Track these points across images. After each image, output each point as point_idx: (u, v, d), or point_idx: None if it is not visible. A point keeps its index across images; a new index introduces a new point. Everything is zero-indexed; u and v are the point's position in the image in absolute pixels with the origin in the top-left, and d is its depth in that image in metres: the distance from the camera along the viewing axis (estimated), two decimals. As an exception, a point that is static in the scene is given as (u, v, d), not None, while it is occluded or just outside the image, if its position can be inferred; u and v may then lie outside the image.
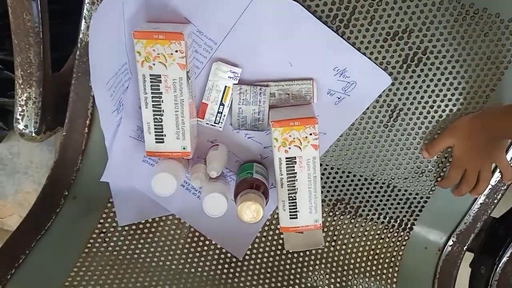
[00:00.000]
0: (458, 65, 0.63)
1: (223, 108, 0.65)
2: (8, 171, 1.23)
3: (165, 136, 0.61)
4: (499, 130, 0.62)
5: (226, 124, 0.66)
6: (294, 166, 0.61)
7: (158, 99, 0.59)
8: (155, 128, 0.60)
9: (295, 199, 0.63)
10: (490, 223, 0.82)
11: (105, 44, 0.57)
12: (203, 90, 0.64)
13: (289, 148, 0.61)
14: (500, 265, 0.78)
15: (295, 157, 0.61)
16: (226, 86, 0.63)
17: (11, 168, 1.23)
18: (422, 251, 0.77)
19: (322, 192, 0.73)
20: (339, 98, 0.65)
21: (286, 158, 0.61)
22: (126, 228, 0.69)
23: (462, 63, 0.63)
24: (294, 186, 0.62)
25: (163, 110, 0.59)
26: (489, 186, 0.71)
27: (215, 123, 0.66)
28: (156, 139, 0.61)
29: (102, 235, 0.66)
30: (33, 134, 0.66)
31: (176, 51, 0.56)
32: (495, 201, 0.72)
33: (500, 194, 0.72)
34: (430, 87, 0.64)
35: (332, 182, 0.72)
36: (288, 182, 0.62)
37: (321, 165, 0.70)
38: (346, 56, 0.62)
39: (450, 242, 0.76)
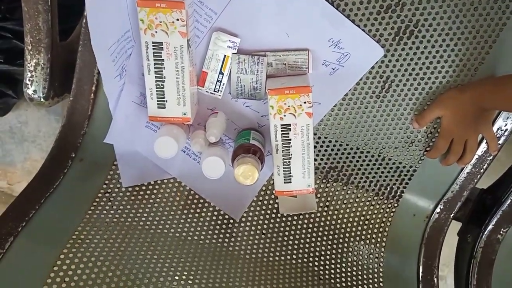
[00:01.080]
0: (448, 38, 0.65)
1: (222, 77, 0.67)
2: (16, 139, 1.27)
3: (166, 101, 0.64)
4: (485, 102, 0.65)
5: (225, 93, 0.69)
6: (288, 133, 0.64)
7: (160, 65, 0.62)
8: (157, 94, 0.64)
9: (289, 164, 0.66)
10: (478, 194, 0.85)
11: (105, 10, 0.59)
12: (203, 58, 0.66)
13: (284, 115, 0.63)
14: (485, 233, 0.82)
15: (289, 124, 0.64)
16: (225, 56, 0.66)
17: (19, 136, 1.27)
18: (410, 218, 0.80)
19: (316, 160, 0.76)
20: (333, 69, 0.68)
21: (281, 125, 0.64)
22: (130, 189, 0.72)
23: (452, 36, 0.65)
24: (289, 152, 0.65)
25: (164, 77, 0.62)
26: (476, 156, 0.74)
27: (214, 91, 0.69)
28: (158, 104, 0.64)
29: (107, 194, 0.70)
30: (42, 99, 0.69)
31: (178, 19, 0.59)
32: (481, 170, 0.76)
33: (486, 164, 0.75)
34: (421, 59, 0.67)
35: (325, 150, 0.76)
36: (282, 148, 0.65)
37: (315, 134, 0.73)
38: (340, 28, 0.64)
39: (438, 210, 0.80)
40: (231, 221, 0.76)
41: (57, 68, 0.71)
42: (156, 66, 0.62)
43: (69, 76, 0.71)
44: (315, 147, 0.75)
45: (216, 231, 0.74)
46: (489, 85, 0.65)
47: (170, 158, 0.67)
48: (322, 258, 0.76)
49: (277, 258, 0.73)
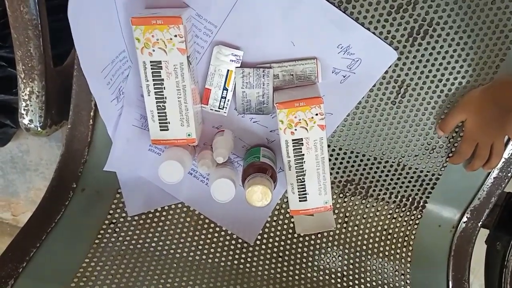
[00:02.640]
0: (466, 35, 0.61)
1: (227, 92, 0.64)
2: (19, 169, 1.24)
3: (169, 123, 0.60)
4: (509, 99, 0.60)
5: (231, 109, 0.65)
6: (301, 148, 0.61)
7: (160, 86, 0.58)
8: (158, 116, 0.60)
9: (304, 181, 0.62)
10: (505, 197, 0.80)
11: (94, 31, 0.56)
12: (206, 75, 0.63)
13: (295, 129, 0.60)
14: (516, 240, 0.76)
15: (301, 139, 0.60)
16: (228, 70, 0.62)
17: (21, 165, 1.24)
18: (436, 229, 0.75)
19: (331, 173, 0.72)
20: (344, 77, 0.64)
21: (293, 140, 0.60)
22: (136, 217, 0.68)
23: (470, 33, 0.61)
24: (302, 168, 0.61)
25: (165, 97, 0.59)
26: (502, 160, 0.70)
27: (219, 108, 0.65)
28: (160, 127, 0.60)
29: (112, 225, 0.66)
30: (39, 129, 0.66)
31: (175, 35, 0.55)
32: (509, 174, 0.71)
33: (513, 167, 0.70)
34: (437, 60, 0.63)
35: (341, 163, 0.71)
36: (296, 164, 0.61)
37: (329, 146, 0.69)
38: (349, 33, 0.61)
39: (464, 219, 0.75)
40: (245, 245, 0.71)
41: (53, 95, 0.67)
42: (155, 86, 0.58)
43: (66, 102, 0.68)
44: (329, 160, 0.70)
45: (230, 257, 0.70)
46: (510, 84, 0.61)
47: (177, 182, 0.63)
48: (345, 278, 0.71)
49: (296, 282, 0.69)
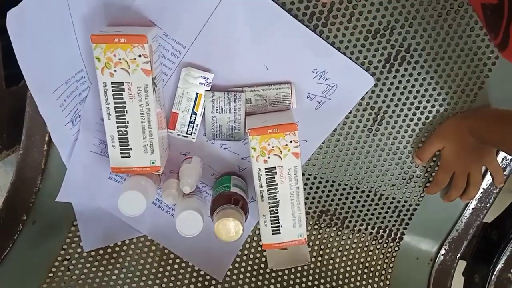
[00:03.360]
0: (444, 62, 0.59)
1: (195, 117, 0.60)
2: (-30, 195, 1.15)
3: (131, 150, 0.55)
4: (482, 135, 0.59)
5: (200, 135, 0.61)
6: (274, 177, 0.57)
7: (121, 109, 0.53)
8: (120, 142, 0.55)
9: (277, 212, 0.58)
10: (482, 228, 0.78)
11: (44, 47, 0.51)
12: (173, 98, 0.59)
13: (268, 157, 0.56)
14: (495, 273, 0.74)
15: (275, 167, 0.56)
16: (197, 93, 0.58)
17: (-27, 192, 1.15)
18: (413, 262, 0.72)
19: (305, 203, 0.68)
20: (319, 102, 0.61)
21: (266, 168, 0.56)
22: (93, 253, 0.63)
23: (448, 60, 0.59)
24: (276, 199, 0.58)
25: (127, 122, 0.54)
26: (480, 190, 0.68)
27: (187, 133, 0.61)
28: (121, 153, 0.55)
29: (65, 262, 0.60)
30: (-13, 154, 0.60)
31: (140, 55, 0.51)
32: (487, 205, 0.69)
33: (492, 198, 0.68)
34: (415, 87, 0.61)
35: (315, 192, 0.68)
36: (268, 194, 0.57)
37: (303, 175, 0.66)
38: (325, 57, 0.58)
39: (442, 251, 0.72)
40: (214, 281, 0.66)
41: (5, 117, 0.62)
42: (117, 109, 0.53)
43: (19, 126, 0.62)
44: (303, 189, 0.66)
45: (197, 295, 0.64)
46: (486, 118, 0.60)
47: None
48: (320, 316, 0.67)
49: (269, 322, 0.64)
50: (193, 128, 0.60)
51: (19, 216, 0.61)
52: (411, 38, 0.58)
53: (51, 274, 0.58)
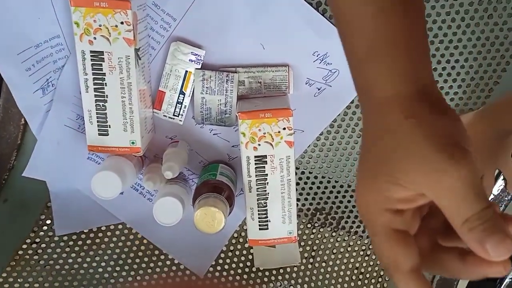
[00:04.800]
0: (457, 52, 0.54)
1: (184, 97, 0.55)
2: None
3: (109, 127, 0.51)
4: (506, 121, 0.53)
5: (188, 117, 0.57)
6: (264, 167, 0.53)
7: (101, 81, 0.49)
8: (97, 117, 0.51)
9: (266, 206, 0.54)
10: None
11: (9, 6, 0.48)
12: (160, 76, 0.54)
13: (259, 144, 0.52)
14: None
15: (265, 156, 0.53)
16: (187, 71, 0.54)
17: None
18: (413, 271, 0.67)
19: (298, 199, 0.63)
20: (319, 89, 0.56)
21: (255, 156, 0.53)
22: (65, 237, 0.59)
23: (462, 50, 0.54)
24: (265, 191, 0.54)
25: (106, 95, 0.50)
26: (492, 196, 0.62)
27: (174, 115, 0.56)
28: (99, 130, 0.51)
29: (34, 245, 0.56)
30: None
31: (122, 22, 0.47)
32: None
33: (503, 206, 0.63)
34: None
35: (310, 188, 0.63)
36: (257, 185, 0.54)
37: (297, 168, 0.61)
38: (328, 39, 0.54)
39: (446, 260, 0.67)
40: (194, 277, 0.62)
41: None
42: (95, 81, 0.49)
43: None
44: (297, 184, 0.62)
45: (175, 291, 0.60)
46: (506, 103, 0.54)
47: (119, 199, 0.54)
48: (308, 323, 0.62)
49: (251, 325, 0.59)
50: (180, 109, 0.56)
51: (-10, 193, 0.57)
52: (423, 22, 0.53)
53: (17, 257, 0.54)
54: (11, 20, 0.49)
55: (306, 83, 0.56)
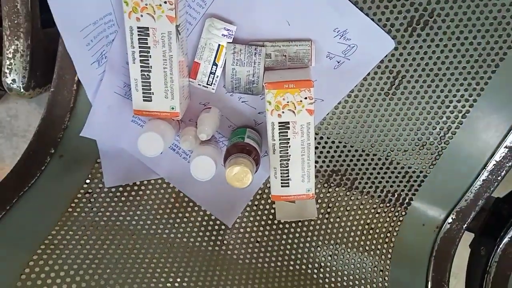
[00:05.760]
0: (467, 30, 0.59)
1: (216, 68, 0.62)
2: (6, 133, 1.22)
3: (153, 94, 0.58)
4: None
5: (220, 87, 0.63)
6: (287, 132, 0.59)
7: (146, 54, 0.56)
8: (142, 85, 0.58)
9: (287, 166, 0.60)
10: (494, 203, 0.79)
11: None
12: (196, 48, 0.61)
13: (283, 112, 0.58)
14: (500, 246, 0.75)
15: (288, 122, 0.58)
16: (219, 45, 0.60)
17: (9, 130, 1.21)
18: (419, 228, 0.74)
19: (317, 162, 0.70)
20: (338, 62, 0.62)
21: (279, 122, 0.58)
22: (113, 189, 0.66)
23: (471, 28, 0.59)
24: (287, 153, 0.60)
25: (151, 66, 0.57)
26: (493, 162, 0.68)
27: (207, 84, 0.63)
28: (143, 97, 0.58)
29: (87, 195, 0.65)
30: (22, 90, 0.64)
31: (165, 2, 0.53)
32: (498, 178, 0.69)
33: (504, 171, 0.68)
34: (435, 53, 0.61)
35: (328, 152, 0.69)
36: (280, 148, 0.59)
37: (317, 134, 0.67)
38: (347, 17, 0.58)
39: (449, 220, 0.73)
40: (223, 227, 0.70)
41: (39, 56, 0.65)
42: (141, 54, 0.56)
43: (52, 66, 0.66)
44: (316, 148, 0.68)
45: (206, 238, 0.68)
46: None
47: (158, 157, 0.61)
48: (322, 270, 0.70)
49: (271, 269, 0.67)
50: (213, 79, 0.62)
51: (48, 149, 0.65)
52: (435, 2, 0.57)
53: (73, 204, 0.62)
54: (75, 1, 0.55)
55: (326, 57, 0.61)
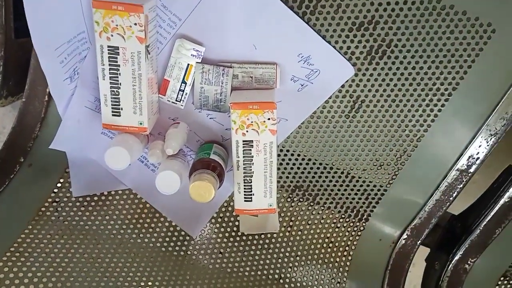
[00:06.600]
0: (422, 60, 0.63)
1: (185, 86, 0.64)
2: (-21, 134, 1.22)
3: (122, 109, 0.60)
4: None
5: (188, 103, 0.65)
6: (250, 150, 0.61)
7: (115, 71, 0.58)
8: (112, 101, 0.60)
9: (250, 182, 0.63)
10: (449, 219, 0.83)
11: (51, 8, 0.56)
12: (166, 66, 0.63)
13: (247, 131, 0.60)
14: (452, 262, 0.79)
15: (252, 141, 0.61)
16: (188, 64, 0.63)
17: (-18, 131, 1.21)
18: (376, 242, 0.78)
19: (281, 177, 0.73)
20: (302, 85, 0.65)
21: (243, 141, 0.61)
22: (80, 199, 0.68)
23: (426, 59, 0.62)
24: (250, 169, 0.62)
25: (120, 83, 0.59)
26: (445, 184, 0.72)
27: (176, 100, 0.65)
28: (112, 112, 0.60)
29: (54, 204, 0.66)
30: (-6, 98, 0.65)
31: (135, 24, 0.55)
32: (450, 198, 0.73)
33: (456, 192, 0.72)
34: (393, 80, 0.64)
35: (291, 168, 0.72)
36: (244, 165, 0.62)
37: (281, 150, 0.70)
38: (311, 44, 0.61)
39: (404, 236, 0.77)
40: (187, 237, 0.72)
41: (12, 66, 0.66)
42: (111, 71, 0.58)
43: (25, 75, 0.67)
44: (280, 163, 0.71)
45: (170, 248, 0.70)
46: None
47: (126, 168, 0.63)
48: (281, 281, 0.73)
49: (233, 279, 0.70)
50: (182, 96, 0.65)
51: (17, 158, 0.66)
52: (392, 34, 0.61)
53: (40, 213, 0.64)
54: (51, 19, 0.57)
55: (291, 80, 0.64)
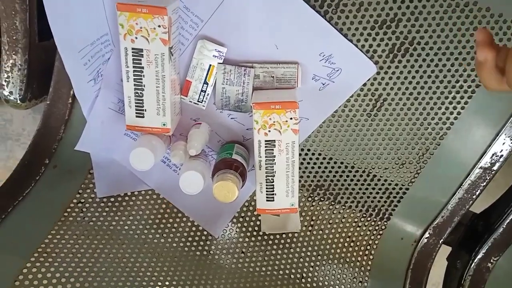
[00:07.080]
0: (445, 57, 0.62)
1: (207, 87, 0.64)
2: (0, 137, 1.23)
3: (145, 111, 0.61)
4: None
5: (210, 104, 0.66)
6: (273, 150, 0.61)
7: (139, 73, 0.59)
8: (135, 102, 0.60)
9: (273, 182, 0.63)
10: (470, 218, 0.82)
11: (73, 10, 0.56)
12: (188, 67, 0.63)
13: (269, 131, 0.61)
14: (475, 260, 0.79)
15: (274, 141, 0.61)
16: (210, 65, 0.63)
17: (3, 134, 1.23)
18: (398, 242, 0.77)
19: (302, 177, 0.73)
20: (323, 84, 0.65)
21: (266, 141, 0.61)
22: (105, 200, 0.69)
23: (449, 56, 0.62)
24: (272, 169, 0.62)
25: (144, 85, 0.59)
26: (468, 182, 0.71)
27: (198, 101, 0.66)
28: (136, 113, 0.61)
29: (80, 205, 0.67)
30: (18, 101, 0.66)
31: (159, 26, 0.56)
32: (473, 196, 0.73)
33: (479, 190, 0.72)
34: (415, 78, 0.64)
35: (312, 167, 0.72)
36: (266, 164, 0.62)
37: (302, 149, 0.70)
38: (332, 42, 0.61)
39: (426, 235, 0.77)
40: (210, 237, 0.73)
41: (36, 69, 0.67)
42: (135, 73, 0.59)
43: (49, 78, 0.68)
44: (301, 163, 0.71)
45: (193, 247, 0.71)
46: None
47: (149, 169, 0.64)
48: (303, 280, 0.73)
49: (255, 278, 0.70)
50: (204, 96, 0.65)
51: (42, 160, 0.68)
52: (415, 31, 0.60)
53: (66, 214, 0.65)
54: (74, 22, 0.58)
55: (312, 79, 0.64)
